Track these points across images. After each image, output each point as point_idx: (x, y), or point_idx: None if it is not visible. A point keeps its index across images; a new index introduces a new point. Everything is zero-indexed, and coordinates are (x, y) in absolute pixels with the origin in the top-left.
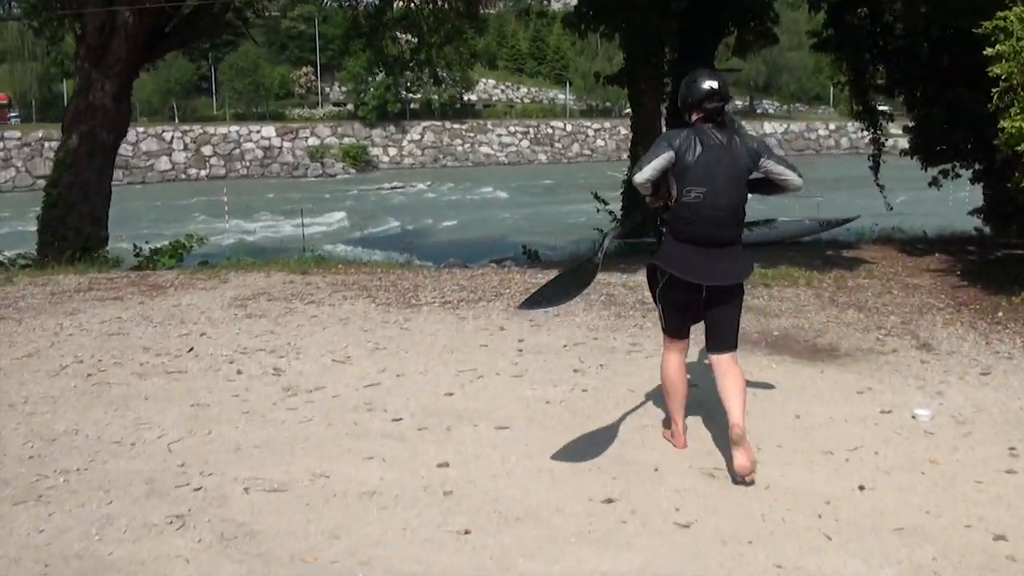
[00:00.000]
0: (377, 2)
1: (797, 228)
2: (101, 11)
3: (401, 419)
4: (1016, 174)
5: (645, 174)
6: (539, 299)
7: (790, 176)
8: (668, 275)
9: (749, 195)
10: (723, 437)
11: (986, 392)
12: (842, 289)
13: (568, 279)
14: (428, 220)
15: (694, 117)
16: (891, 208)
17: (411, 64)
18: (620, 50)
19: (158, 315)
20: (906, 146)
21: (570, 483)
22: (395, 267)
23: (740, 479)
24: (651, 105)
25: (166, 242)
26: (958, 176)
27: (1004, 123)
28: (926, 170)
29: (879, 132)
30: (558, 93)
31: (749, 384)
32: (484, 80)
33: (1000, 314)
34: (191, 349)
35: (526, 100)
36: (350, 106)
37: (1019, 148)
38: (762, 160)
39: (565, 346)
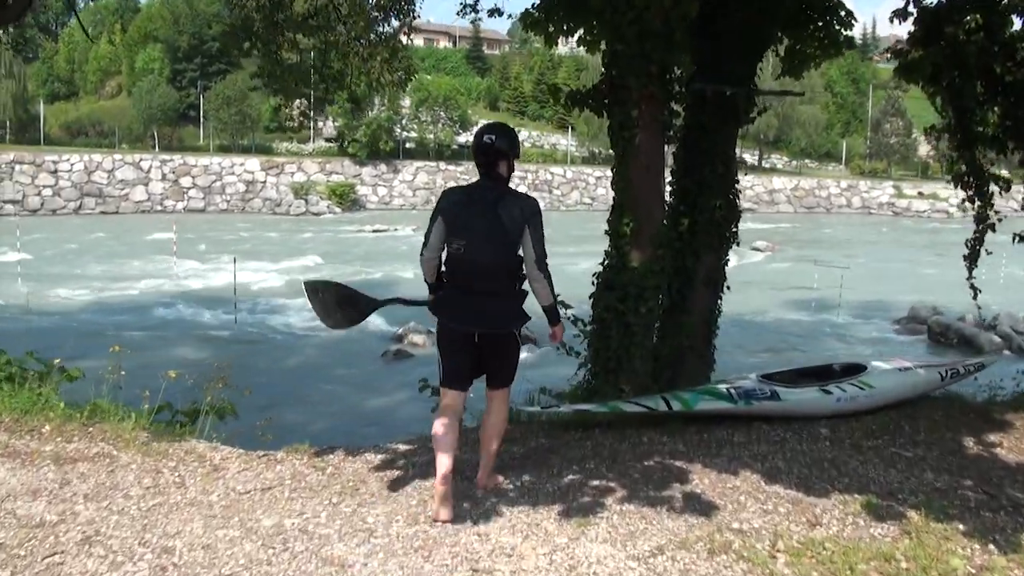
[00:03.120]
0: None
1: (903, 383)
2: None
3: None
4: None
5: (426, 254)
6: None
7: (533, 258)
8: (439, 320)
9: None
10: None
11: None
12: None
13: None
14: (399, 269)
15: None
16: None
17: (316, 79)
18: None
19: None
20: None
21: None
22: (155, 452)
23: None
24: (649, 142)
25: None
26: None
27: None
28: None
29: (989, 206)
30: (560, 138)
31: None
32: (484, 122)
33: None
34: None
35: (526, 144)
36: (344, 143)
37: None
38: (527, 226)
39: None
